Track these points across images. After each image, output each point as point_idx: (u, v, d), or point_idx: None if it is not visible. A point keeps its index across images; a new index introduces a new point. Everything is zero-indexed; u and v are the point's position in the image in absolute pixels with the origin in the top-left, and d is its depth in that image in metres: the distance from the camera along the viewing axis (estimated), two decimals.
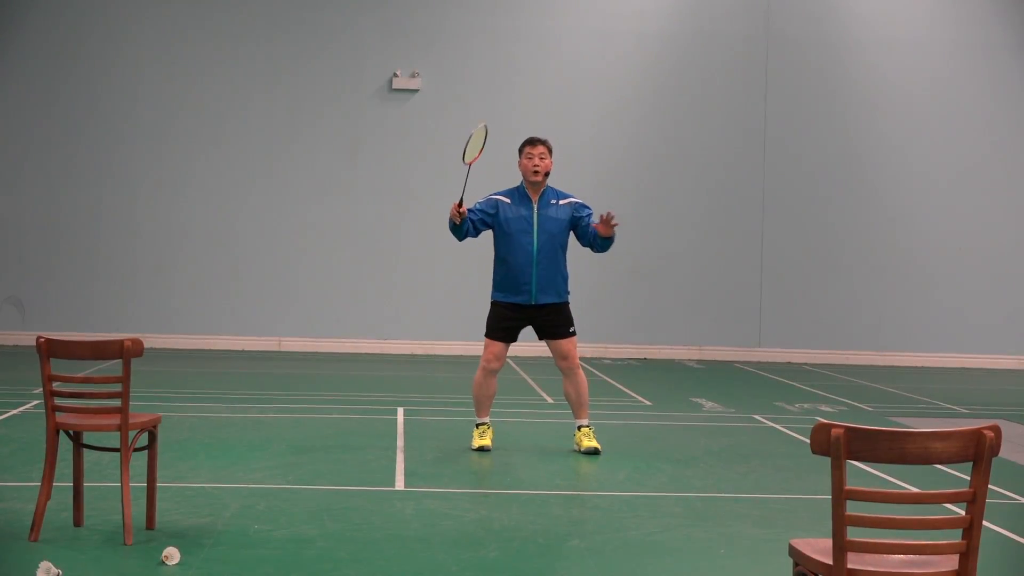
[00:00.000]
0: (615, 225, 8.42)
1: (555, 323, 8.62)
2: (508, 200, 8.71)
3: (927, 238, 17.40)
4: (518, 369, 14.89)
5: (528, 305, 8.62)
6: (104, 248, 16.73)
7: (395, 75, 16.91)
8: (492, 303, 8.83)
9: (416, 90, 16.97)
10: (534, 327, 8.71)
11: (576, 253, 8.95)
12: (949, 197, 17.45)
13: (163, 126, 16.82)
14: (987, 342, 17.39)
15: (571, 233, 8.71)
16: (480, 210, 8.66)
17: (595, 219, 8.63)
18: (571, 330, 8.65)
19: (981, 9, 17.50)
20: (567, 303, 8.72)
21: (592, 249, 8.67)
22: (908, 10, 17.50)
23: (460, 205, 8.47)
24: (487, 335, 8.71)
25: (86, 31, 16.70)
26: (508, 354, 16.65)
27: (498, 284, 8.81)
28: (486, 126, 8.86)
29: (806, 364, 16.89)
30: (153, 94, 16.79)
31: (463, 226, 8.58)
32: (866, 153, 17.44)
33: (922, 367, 17.08)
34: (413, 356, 16.56)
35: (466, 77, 17.09)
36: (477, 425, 8.80)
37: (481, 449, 8.65)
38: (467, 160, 8.67)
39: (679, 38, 17.28)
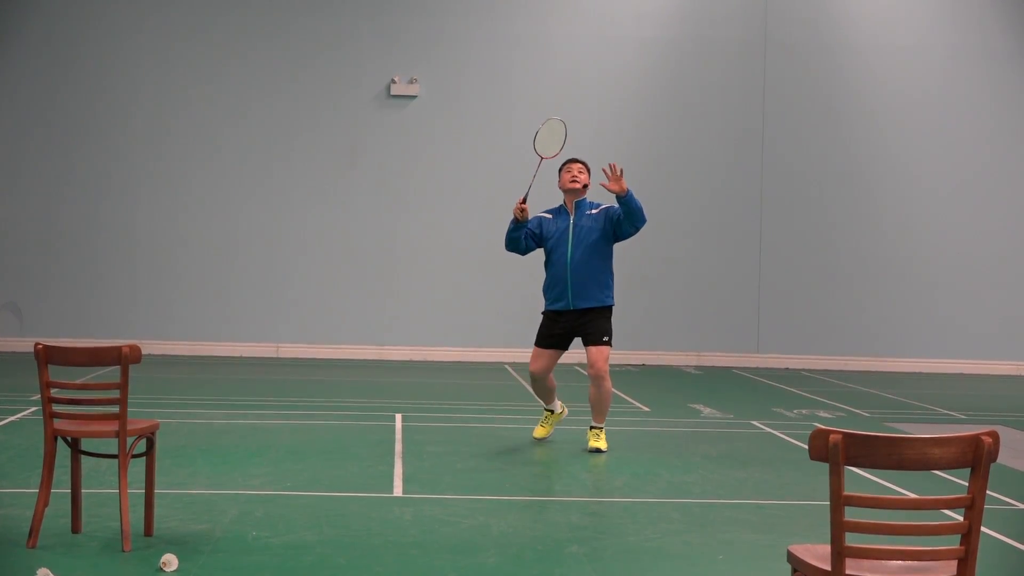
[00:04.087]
0: (621, 173, 8.64)
1: (591, 329, 8.96)
2: (550, 216, 9.16)
3: (925, 244, 17.41)
4: (516, 375, 14.89)
5: (569, 311, 8.98)
6: (102, 255, 16.73)
7: (393, 81, 16.92)
8: (542, 313, 9.21)
9: (414, 96, 16.99)
10: (578, 334, 9.05)
11: None
12: (947, 203, 17.46)
13: (161, 133, 16.83)
14: (985, 348, 17.39)
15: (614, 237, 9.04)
16: (528, 228, 9.06)
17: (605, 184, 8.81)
18: (604, 339, 8.93)
19: (980, 14, 17.51)
20: (607, 308, 9.00)
21: (628, 231, 8.84)
22: (907, 16, 17.51)
23: (524, 201, 8.90)
24: (536, 343, 9.14)
25: (83, 38, 16.71)
26: (505, 359, 16.69)
27: (544, 293, 9.19)
28: (563, 122, 9.21)
29: (804, 370, 16.90)
30: (151, 101, 16.80)
31: (522, 228, 8.98)
32: (864, 159, 17.45)
33: (920, 373, 17.08)
34: (411, 362, 16.56)
35: (464, 83, 17.10)
36: (544, 409, 9.53)
37: (537, 439, 9.44)
38: (549, 154, 9.09)
39: (677, 43, 17.30)
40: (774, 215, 17.34)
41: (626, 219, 8.81)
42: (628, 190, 8.71)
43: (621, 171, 8.69)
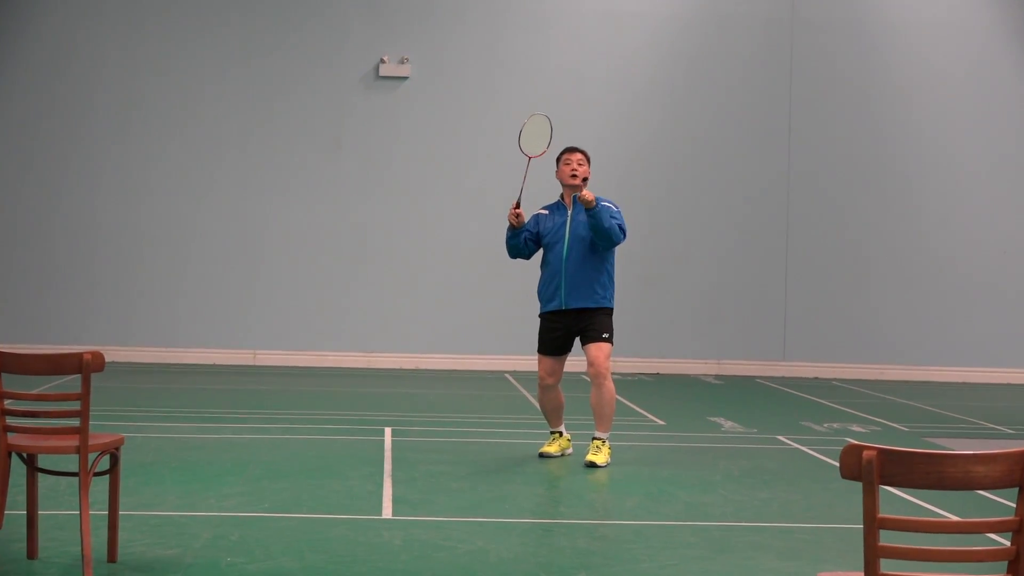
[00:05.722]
0: (586, 199, 8.88)
1: (588, 327, 9.16)
2: (547, 212, 9.35)
3: (967, 241, 17.40)
4: (517, 385, 14.91)
5: (563, 311, 9.17)
6: (61, 253, 16.73)
7: (382, 61, 16.93)
8: (539, 317, 9.42)
9: (405, 77, 17.00)
10: (577, 335, 9.25)
11: None
12: (990, 195, 17.46)
13: (124, 119, 16.83)
14: None
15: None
16: (527, 231, 9.26)
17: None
18: (603, 336, 9.14)
19: None
20: (604, 308, 9.20)
21: (602, 245, 9.06)
22: None
23: (517, 206, 9.13)
24: (538, 351, 9.38)
25: (40, 15, 16.71)
26: (505, 368, 16.69)
27: (539, 295, 9.42)
28: (547, 117, 9.43)
29: (835, 380, 16.91)
30: (113, 85, 16.80)
31: (520, 234, 9.21)
32: (900, 148, 17.45)
33: (963, 383, 17.08)
34: (402, 371, 16.57)
35: (459, 63, 17.11)
36: (550, 432, 9.59)
37: (542, 456, 9.44)
38: (535, 153, 9.28)
39: (696, 22, 17.30)
40: (802, 210, 17.35)
41: (594, 235, 9.01)
42: (596, 201, 8.89)
43: (585, 198, 8.92)
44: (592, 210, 8.88)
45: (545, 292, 9.27)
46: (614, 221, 8.95)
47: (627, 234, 9.17)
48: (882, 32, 17.45)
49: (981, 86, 17.50)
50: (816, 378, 17.03)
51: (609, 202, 9.12)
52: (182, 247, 16.81)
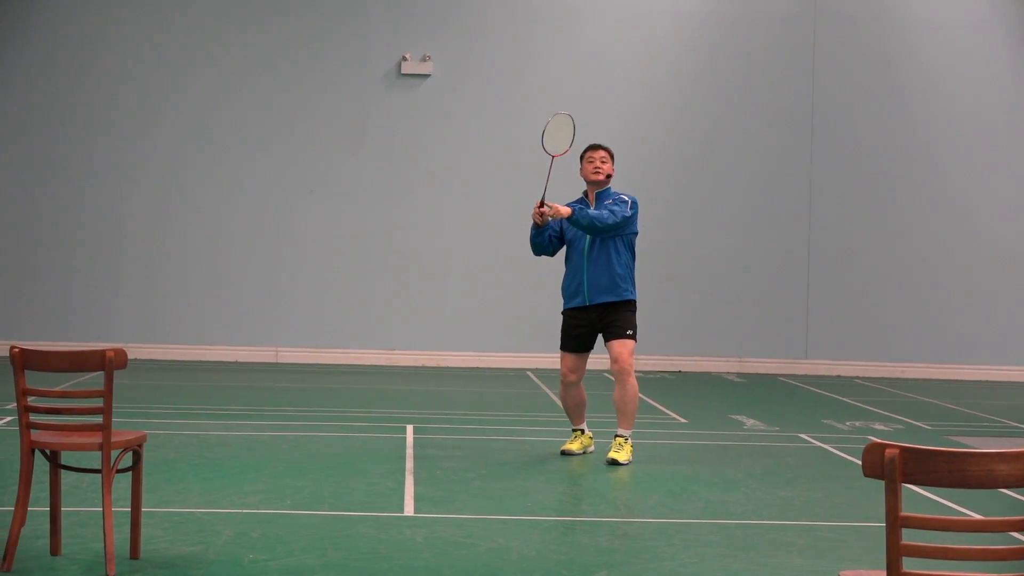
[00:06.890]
0: (560, 214, 9.01)
1: (611, 323, 9.21)
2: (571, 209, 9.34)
3: (993, 238, 17.31)
4: (539, 382, 14.90)
5: (586, 307, 9.22)
6: (84, 249, 16.78)
7: (404, 59, 16.94)
8: (561, 314, 9.49)
9: (427, 75, 17.00)
10: (599, 331, 9.29)
11: None
12: (1014, 192, 17.36)
13: (148, 116, 16.87)
14: None
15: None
16: (551, 228, 9.30)
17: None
18: (627, 332, 9.19)
19: None
20: (628, 302, 9.26)
21: (591, 235, 9.17)
22: None
23: (541, 204, 9.09)
24: (560, 347, 9.45)
25: (63, 14, 16.76)
26: (527, 365, 16.68)
27: (562, 292, 9.49)
28: (570, 115, 9.45)
29: (858, 378, 16.85)
30: (137, 82, 16.84)
31: (544, 231, 9.24)
32: (926, 143, 17.37)
33: (987, 381, 17.00)
34: (423, 368, 16.58)
35: (482, 61, 17.10)
36: (572, 430, 9.61)
37: (564, 453, 9.46)
38: (559, 152, 9.30)
39: (718, 18, 17.26)
40: (825, 206, 17.28)
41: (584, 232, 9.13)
42: (572, 213, 9.00)
43: (552, 210, 9.00)
44: (570, 218, 8.98)
45: (568, 288, 9.34)
46: (602, 212, 9.00)
47: (621, 219, 9.05)
48: (905, 27, 17.37)
49: (1005, 82, 17.41)
50: (838, 376, 16.98)
51: (619, 194, 9.26)
52: (205, 244, 16.85)
